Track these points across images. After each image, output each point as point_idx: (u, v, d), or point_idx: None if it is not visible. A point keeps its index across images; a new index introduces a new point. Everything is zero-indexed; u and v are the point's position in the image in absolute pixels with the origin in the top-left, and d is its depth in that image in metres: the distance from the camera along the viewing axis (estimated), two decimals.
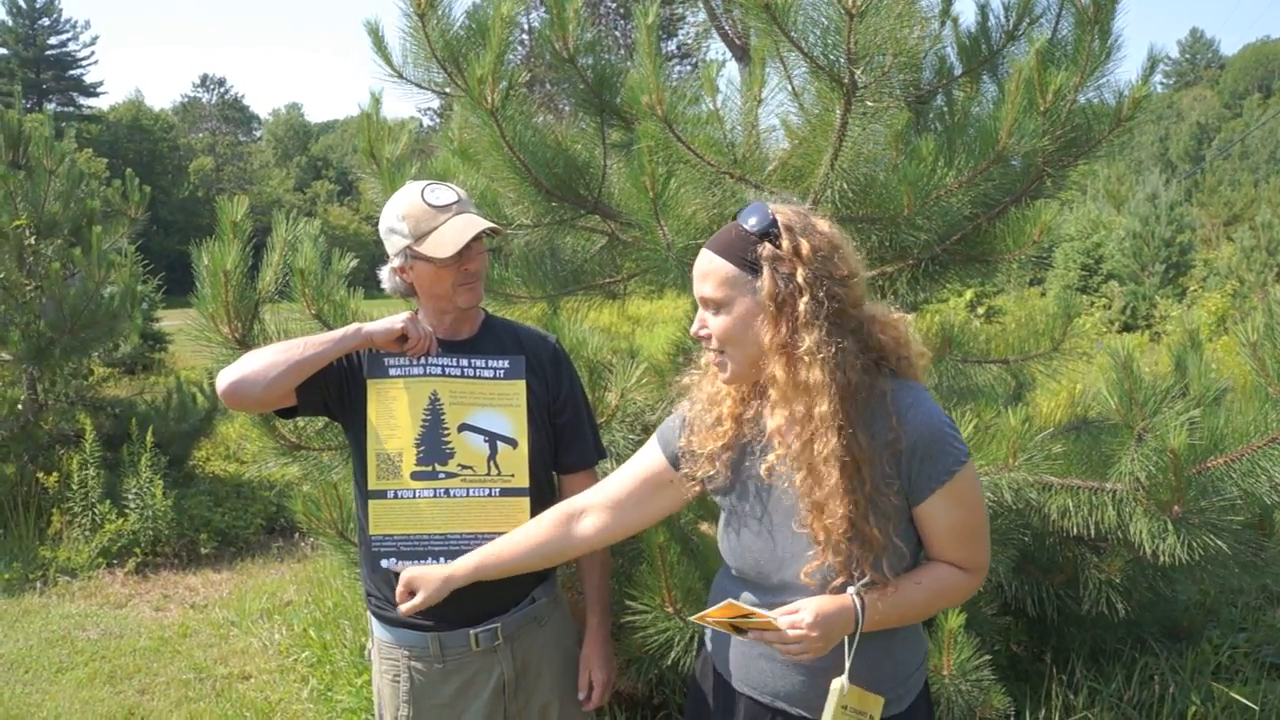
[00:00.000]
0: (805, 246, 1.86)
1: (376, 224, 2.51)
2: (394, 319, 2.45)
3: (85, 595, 6.53)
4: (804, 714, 2.03)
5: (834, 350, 1.84)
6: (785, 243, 1.87)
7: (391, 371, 2.48)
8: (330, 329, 3.32)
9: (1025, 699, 3.71)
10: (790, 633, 1.84)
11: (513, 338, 2.61)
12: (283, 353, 2.37)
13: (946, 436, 1.89)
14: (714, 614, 1.94)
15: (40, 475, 7.57)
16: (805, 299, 1.85)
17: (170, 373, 13.42)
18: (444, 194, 2.45)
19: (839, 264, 1.90)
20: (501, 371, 2.52)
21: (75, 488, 7.20)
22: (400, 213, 2.42)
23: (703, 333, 2.00)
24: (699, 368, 2.16)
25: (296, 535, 7.63)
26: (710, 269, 1.94)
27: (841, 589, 1.90)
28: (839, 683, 1.91)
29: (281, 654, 5.40)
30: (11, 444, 7.80)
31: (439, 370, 2.49)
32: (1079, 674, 3.92)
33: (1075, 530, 3.32)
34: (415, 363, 2.48)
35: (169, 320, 15.87)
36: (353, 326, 2.43)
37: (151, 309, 15.23)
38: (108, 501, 7.15)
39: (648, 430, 3.67)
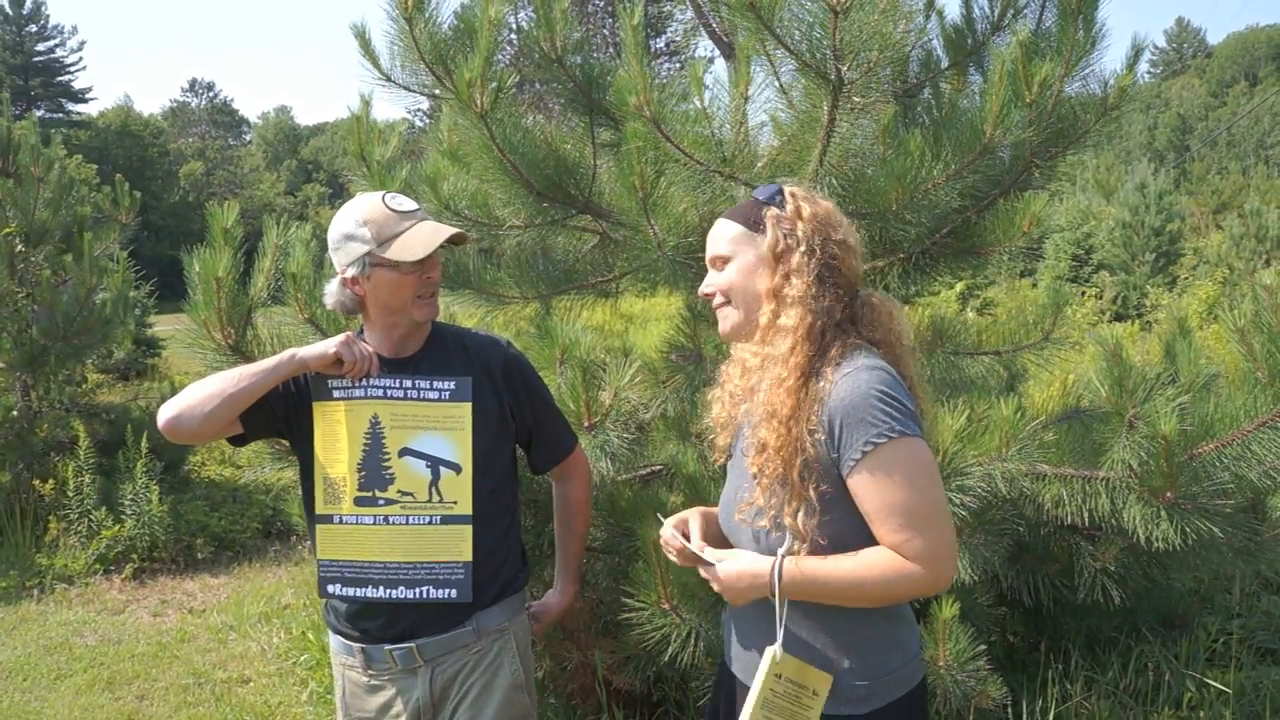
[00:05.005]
0: (806, 210, 2.06)
1: None
2: (328, 343, 2.38)
3: (83, 602, 6.52)
4: None
5: (818, 298, 2.00)
6: (789, 205, 2.07)
7: (334, 394, 2.42)
8: (324, 334, 3.34)
9: (1022, 689, 3.73)
10: (705, 570, 2.07)
11: (461, 352, 2.51)
12: (218, 385, 2.32)
13: (871, 407, 1.89)
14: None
15: (36, 482, 7.56)
16: (801, 249, 2.02)
17: (164, 378, 13.39)
18: (406, 201, 2.41)
19: (835, 229, 2.08)
20: (447, 393, 2.44)
21: (71, 494, 7.19)
22: (361, 218, 2.34)
23: (707, 290, 2.16)
24: (731, 360, 2.24)
25: (293, 538, 7.64)
26: (721, 231, 2.14)
27: (766, 533, 2.01)
28: (770, 650, 1.97)
29: (280, 657, 5.40)
30: (6, 452, 7.79)
31: (380, 392, 2.41)
32: (1075, 663, 3.93)
33: (1069, 519, 3.34)
34: (357, 384, 2.41)
35: (162, 326, 15.83)
36: (287, 353, 2.37)
37: (144, 315, 15.20)
38: (104, 508, 7.13)
39: (642, 429, 3.69)
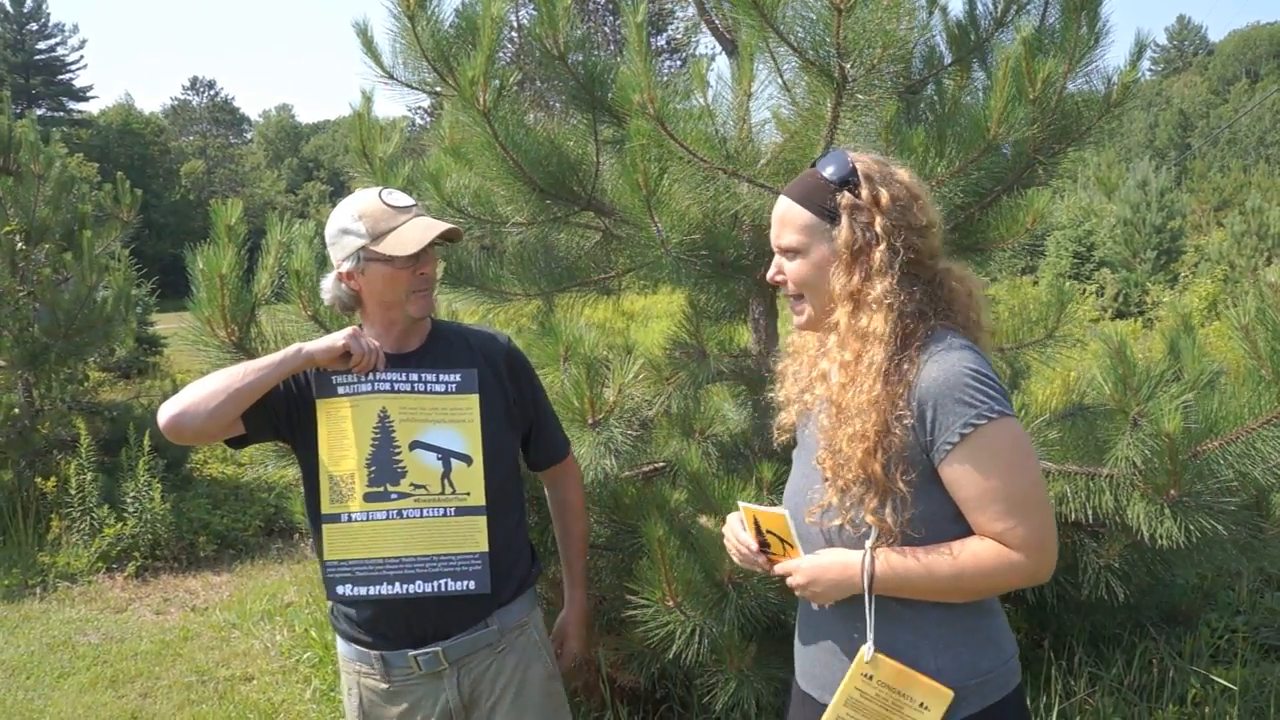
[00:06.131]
0: (885, 196, 1.88)
1: None
2: (335, 336, 2.34)
3: (85, 600, 6.53)
4: None
5: (902, 299, 1.86)
6: (865, 192, 1.89)
7: (339, 390, 2.39)
8: (328, 330, 3.33)
9: (1026, 685, 3.72)
10: (787, 564, 1.95)
11: (464, 345, 2.51)
12: (222, 381, 2.28)
13: (966, 387, 1.78)
14: (764, 515, 1.98)
15: (38, 480, 7.57)
16: (881, 248, 1.86)
17: (166, 376, 13.42)
18: (402, 197, 2.40)
19: (918, 214, 1.91)
20: (453, 385, 2.43)
21: (73, 492, 7.20)
22: (356, 213, 2.35)
23: (779, 278, 2.02)
24: (805, 334, 2.15)
25: (295, 536, 7.65)
26: (788, 216, 1.96)
27: (840, 531, 1.90)
28: (863, 648, 1.87)
29: (283, 655, 5.41)
30: (8, 450, 7.80)
31: (387, 386, 2.39)
32: (1079, 659, 3.94)
33: (1073, 516, 3.33)
34: (363, 380, 2.38)
35: (163, 324, 15.88)
36: (293, 347, 2.33)
37: (146, 313, 15.24)
38: (106, 506, 7.15)
39: (645, 426, 3.68)
